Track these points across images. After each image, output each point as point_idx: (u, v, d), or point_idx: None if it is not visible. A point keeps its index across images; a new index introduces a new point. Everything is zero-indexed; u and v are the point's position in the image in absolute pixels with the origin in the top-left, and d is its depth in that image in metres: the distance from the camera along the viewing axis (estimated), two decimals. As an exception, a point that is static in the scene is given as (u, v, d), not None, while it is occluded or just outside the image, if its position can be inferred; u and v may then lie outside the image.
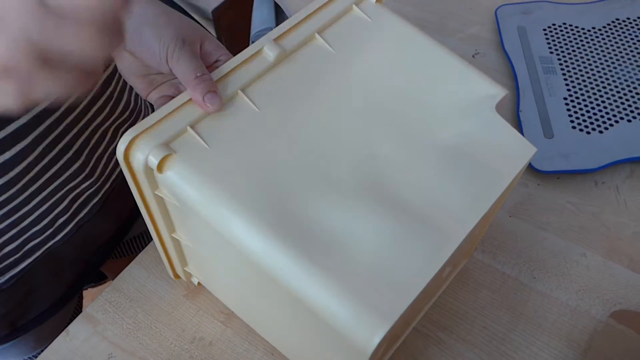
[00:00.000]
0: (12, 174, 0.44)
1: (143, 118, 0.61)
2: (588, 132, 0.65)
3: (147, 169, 0.38)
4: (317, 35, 0.45)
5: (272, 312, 0.46)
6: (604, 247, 0.58)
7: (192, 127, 0.39)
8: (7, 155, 0.43)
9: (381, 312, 0.34)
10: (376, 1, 0.48)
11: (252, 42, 0.89)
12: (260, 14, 0.90)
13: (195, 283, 0.54)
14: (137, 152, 0.38)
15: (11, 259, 0.51)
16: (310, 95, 0.42)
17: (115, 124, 0.55)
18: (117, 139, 0.56)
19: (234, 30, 1.00)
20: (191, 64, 0.39)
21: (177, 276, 0.54)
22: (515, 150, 0.42)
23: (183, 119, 0.39)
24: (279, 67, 0.43)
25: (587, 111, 0.67)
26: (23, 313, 0.57)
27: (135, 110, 0.58)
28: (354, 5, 0.47)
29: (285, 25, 0.44)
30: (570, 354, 0.51)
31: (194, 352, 0.52)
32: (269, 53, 0.43)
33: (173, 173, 0.38)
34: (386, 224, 0.38)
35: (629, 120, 0.65)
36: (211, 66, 0.42)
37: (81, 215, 0.55)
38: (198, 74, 0.38)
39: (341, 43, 0.45)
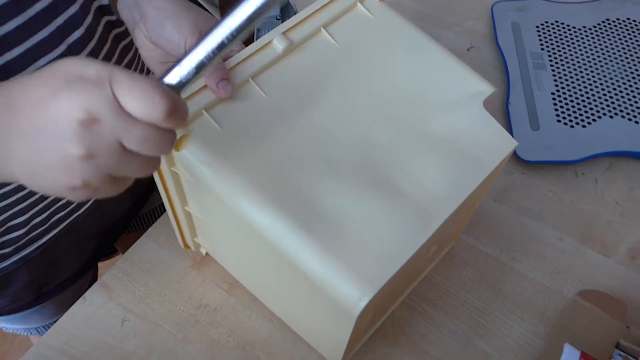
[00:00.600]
0: None
1: None
2: (572, 126, 0.69)
3: None
4: (322, 30, 0.49)
5: (272, 280, 0.51)
6: (579, 233, 0.63)
7: (206, 110, 0.44)
8: None
9: (368, 281, 0.39)
10: None
11: (257, 29, 0.93)
12: (266, 2, 0.94)
13: (204, 253, 0.59)
14: None
15: (39, 230, 0.55)
16: (314, 85, 0.47)
17: None
18: None
19: (241, 17, 1.03)
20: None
21: (186, 246, 0.59)
22: (498, 143, 0.46)
23: (199, 103, 0.44)
24: (286, 58, 0.47)
25: (573, 106, 0.71)
26: (47, 281, 0.62)
27: None
28: (358, 3, 0.51)
29: (293, 20, 0.48)
30: (542, 328, 0.56)
31: (200, 317, 0.57)
32: (278, 45, 0.47)
33: (188, 151, 0.43)
34: (378, 204, 0.42)
35: (611, 117, 0.69)
36: (225, 55, 0.46)
37: None
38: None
39: (345, 37, 0.49)
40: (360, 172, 0.44)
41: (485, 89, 0.47)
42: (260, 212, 0.41)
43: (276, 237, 0.41)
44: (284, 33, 0.47)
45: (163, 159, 0.44)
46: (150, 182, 0.71)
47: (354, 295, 0.39)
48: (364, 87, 0.47)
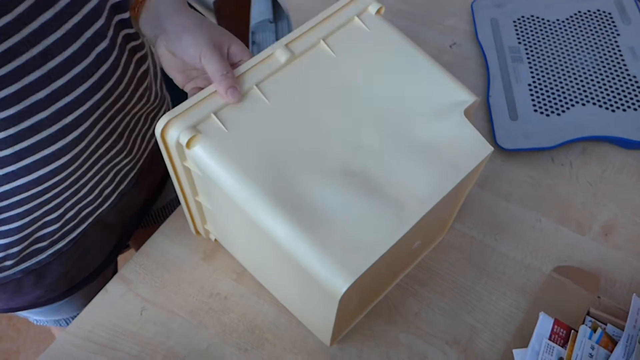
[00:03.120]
0: (75, 150, 0.54)
1: (166, 105, 0.70)
2: (547, 115, 0.74)
3: (178, 145, 0.49)
4: (322, 42, 0.54)
5: (271, 266, 0.56)
6: (556, 214, 0.69)
7: (215, 114, 0.49)
8: (76, 133, 0.52)
9: (349, 269, 0.44)
10: (376, 13, 0.56)
11: (252, 32, 0.98)
12: (258, 6, 0.98)
13: (213, 239, 0.64)
14: (171, 131, 0.48)
15: (70, 225, 0.61)
16: (312, 92, 0.52)
17: (147, 110, 0.65)
18: (148, 122, 0.66)
19: (234, 21, 1.08)
20: (219, 64, 0.49)
21: (198, 233, 0.64)
22: (475, 149, 0.51)
23: (208, 107, 0.49)
24: (288, 68, 0.52)
25: (548, 96, 0.76)
26: (78, 272, 0.67)
27: (161, 98, 0.68)
28: (355, 16, 0.56)
29: (295, 33, 0.53)
30: (523, 302, 0.62)
31: (212, 305, 0.62)
32: (281, 56, 0.52)
33: (198, 149, 0.48)
34: (363, 201, 0.48)
35: (583, 104, 0.75)
36: (235, 65, 0.52)
37: (122, 186, 0.65)
38: (224, 72, 0.49)
39: (342, 49, 0.54)
40: (349, 172, 0.49)
41: (467, 98, 0.52)
42: (258, 205, 0.47)
43: (271, 228, 0.47)
44: (286, 45, 0.52)
45: (176, 155, 0.50)
46: (163, 178, 0.76)
47: (337, 281, 0.44)
48: (356, 95, 0.52)
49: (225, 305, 0.62)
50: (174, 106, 0.75)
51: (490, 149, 0.51)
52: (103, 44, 0.51)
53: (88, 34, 0.49)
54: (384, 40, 0.55)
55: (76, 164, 0.55)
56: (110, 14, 0.52)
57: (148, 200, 0.74)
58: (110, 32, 0.52)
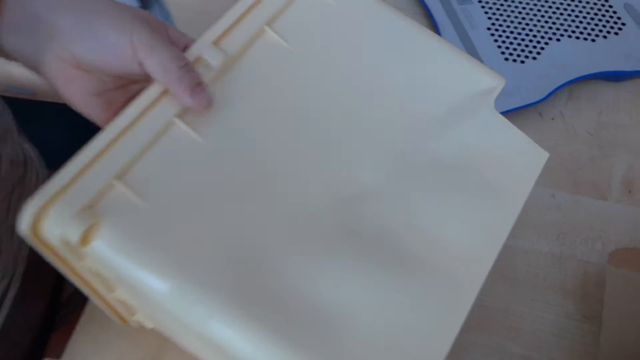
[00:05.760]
0: None
1: (31, 164, 0.47)
2: (522, 62, 0.61)
3: (66, 245, 0.29)
4: (266, 29, 0.35)
5: None
6: (568, 182, 0.56)
7: (119, 178, 0.30)
8: None
9: None
10: None
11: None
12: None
13: (149, 327, 0.45)
14: (49, 225, 0.28)
15: None
16: (266, 112, 0.33)
17: (7, 185, 0.42)
18: (12, 205, 0.44)
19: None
20: (170, 52, 0.31)
21: (124, 321, 0.44)
22: (525, 158, 0.36)
23: (108, 169, 0.30)
24: (224, 78, 0.33)
25: (515, 38, 0.62)
26: None
27: (24, 151, 0.45)
28: None
29: (223, 23, 0.34)
30: (570, 306, 0.49)
31: None
32: (211, 62, 0.33)
33: (102, 243, 0.29)
34: (385, 285, 0.31)
35: (557, 39, 0.62)
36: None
37: (3, 317, 0.43)
38: (181, 64, 0.31)
39: (298, 35, 0.35)
40: (352, 240, 0.31)
41: (493, 82, 0.36)
42: (217, 320, 0.29)
43: (246, 354, 0.29)
44: (215, 43, 0.33)
45: (68, 256, 0.31)
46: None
47: None
48: (335, 103, 0.34)
49: None
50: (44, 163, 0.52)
51: (546, 154, 0.36)
52: None
53: None
54: (358, 15, 0.37)
55: None
56: None
57: (49, 304, 0.53)
58: None
